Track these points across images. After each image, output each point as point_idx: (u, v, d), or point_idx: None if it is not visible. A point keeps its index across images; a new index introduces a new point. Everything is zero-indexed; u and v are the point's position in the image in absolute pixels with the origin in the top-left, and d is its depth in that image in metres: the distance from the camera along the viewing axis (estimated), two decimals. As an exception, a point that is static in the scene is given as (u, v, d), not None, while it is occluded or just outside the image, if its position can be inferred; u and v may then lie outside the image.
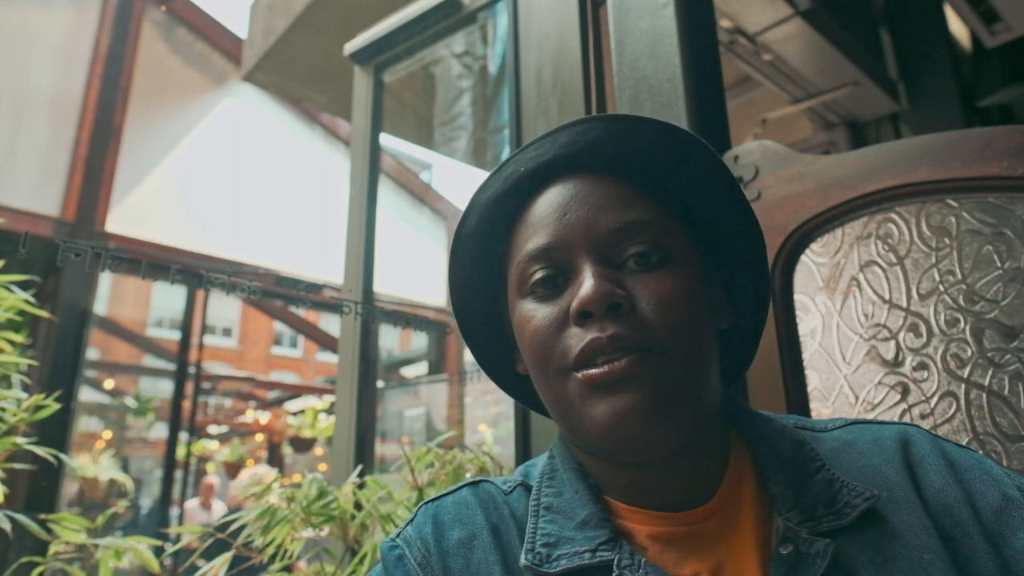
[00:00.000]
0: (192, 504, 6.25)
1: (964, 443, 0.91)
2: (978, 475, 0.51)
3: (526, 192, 0.57)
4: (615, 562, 0.49)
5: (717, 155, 0.56)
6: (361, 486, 1.42)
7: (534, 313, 0.53)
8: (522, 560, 0.51)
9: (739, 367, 0.64)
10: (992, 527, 0.48)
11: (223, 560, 1.28)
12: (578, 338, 0.50)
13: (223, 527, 1.34)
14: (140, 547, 1.36)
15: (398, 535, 0.57)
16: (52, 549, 1.35)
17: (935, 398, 0.94)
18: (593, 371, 0.48)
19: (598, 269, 0.50)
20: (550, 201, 0.55)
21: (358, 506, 1.37)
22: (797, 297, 1.11)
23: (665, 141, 0.55)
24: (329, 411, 8.27)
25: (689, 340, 0.50)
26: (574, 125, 0.55)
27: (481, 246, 0.61)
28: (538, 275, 0.53)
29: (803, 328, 1.10)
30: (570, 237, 0.52)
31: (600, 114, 0.56)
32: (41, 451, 1.40)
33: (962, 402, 0.92)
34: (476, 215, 0.59)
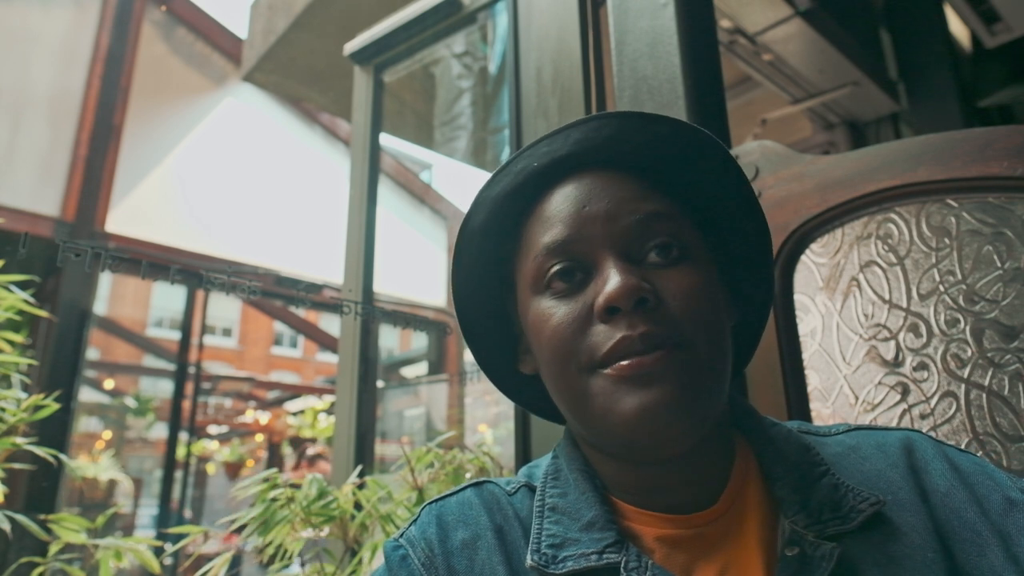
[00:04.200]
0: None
1: (964, 444, 0.91)
2: (982, 480, 0.51)
3: (537, 188, 0.56)
4: (622, 564, 0.49)
5: (730, 154, 0.56)
6: (361, 486, 1.42)
7: (554, 310, 0.52)
8: (528, 561, 0.51)
9: (737, 366, 0.64)
10: (999, 527, 0.48)
11: (223, 560, 1.28)
12: (606, 335, 0.49)
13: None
14: (140, 547, 1.36)
15: (402, 535, 0.57)
16: (52, 549, 1.35)
17: (935, 398, 0.94)
18: (624, 363, 0.48)
19: (622, 264, 0.50)
20: (567, 195, 0.54)
21: (358, 506, 1.37)
22: (797, 297, 1.11)
23: (679, 139, 0.54)
24: (329, 411, 8.27)
25: (712, 335, 0.50)
26: (587, 122, 0.54)
27: (488, 243, 0.60)
28: (556, 269, 0.52)
29: (803, 328, 1.10)
30: (590, 230, 0.51)
31: (614, 111, 0.55)
32: (41, 451, 1.40)
33: (962, 402, 0.92)
34: (484, 211, 0.58)
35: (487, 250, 0.60)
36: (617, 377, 0.48)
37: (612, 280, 0.48)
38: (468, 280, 0.62)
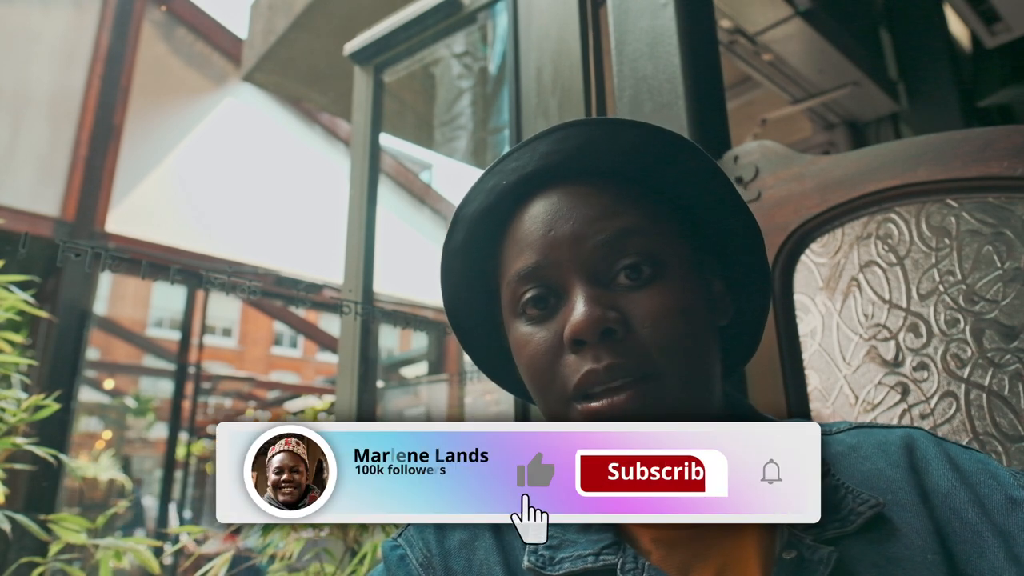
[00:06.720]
0: None
1: (964, 443, 0.91)
2: (983, 479, 0.51)
3: (510, 205, 0.56)
4: (618, 566, 0.49)
5: (704, 152, 0.55)
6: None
7: (529, 338, 0.52)
8: (525, 562, 0.51)
9: (740, 359, 0.63)
10: (1001, 527, 0.48)
11: (223, 560, 1.28)
12: (574, 367, 0.49)
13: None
14: (140, 547, 1.36)
15: (400, 535, 0.57)
16: (52, 549, 1.35)
17: (935, 398, 0.94)
18: (594, 405, 0.48)
19: (589, 292, 0.49)
20: (534, 217, 0.53)
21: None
22: (797, 297, 1.11)
23: (649, 144, 0.53)
24: (329, 411, 8.27)
25: (688, 360, 0.49)
26: (551, 133, 0.53)
27: (470, 262, 0.60)
28: (528, 296, 0.52)
29: (803, 328, 1.10)
30: (558, 255, 0.51)
31: (581, 119, 0.54)
32: (41, 451, 1.40)
33: (962, 402, 0.92)
34: (462, 231, 0.58)
35: (471, 268, 0.60)
36: (589, 416, 0.48)
37: (577, 312, 0.48)
38: (457, 296, 0.62)
